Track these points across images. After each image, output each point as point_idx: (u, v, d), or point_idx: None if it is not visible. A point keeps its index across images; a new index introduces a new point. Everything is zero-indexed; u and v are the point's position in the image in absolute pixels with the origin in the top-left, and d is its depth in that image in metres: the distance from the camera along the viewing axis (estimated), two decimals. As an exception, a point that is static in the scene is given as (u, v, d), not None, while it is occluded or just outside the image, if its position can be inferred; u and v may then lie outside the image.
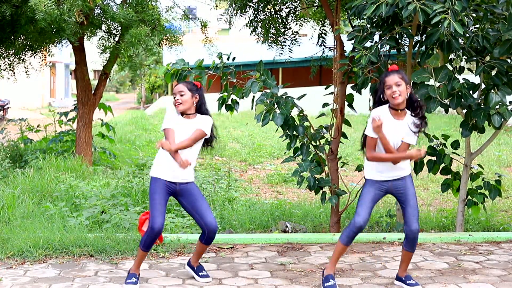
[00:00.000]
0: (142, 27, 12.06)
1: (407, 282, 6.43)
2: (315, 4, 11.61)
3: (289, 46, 12.20)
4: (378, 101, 6.33)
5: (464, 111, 8.48)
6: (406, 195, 6.28)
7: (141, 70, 22.07)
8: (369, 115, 6.26)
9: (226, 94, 8.67)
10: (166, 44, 14.36)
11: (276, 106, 8.21)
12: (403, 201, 6.29)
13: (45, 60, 16.98)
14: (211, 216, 6.43)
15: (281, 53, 12.32)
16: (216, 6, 14.34)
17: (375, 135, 6.15)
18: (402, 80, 6.11)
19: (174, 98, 6.47)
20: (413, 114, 6.22)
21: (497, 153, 18.52)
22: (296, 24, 12.48)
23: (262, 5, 11.48)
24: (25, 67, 15.26)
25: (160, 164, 6.38)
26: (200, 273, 6.63)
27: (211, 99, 7.71)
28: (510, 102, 8.32)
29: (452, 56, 8.56)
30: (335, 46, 9.24)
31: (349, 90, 9.00)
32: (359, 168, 9.36)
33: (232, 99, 8.71)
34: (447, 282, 6.53)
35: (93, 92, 14.36)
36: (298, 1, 11.55)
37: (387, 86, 6.13)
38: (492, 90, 7.98)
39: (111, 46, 13.37)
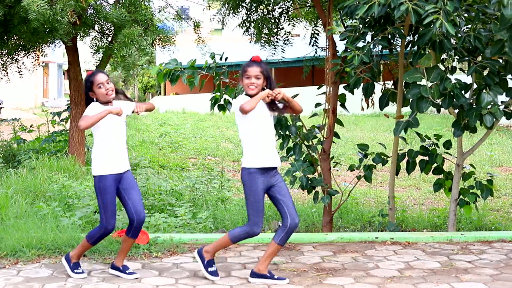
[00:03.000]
0: (135, 27, 12.06)
1: (275, 277, 6.53)
2: (307, 5, 11.64)
3: (281, 46, 12.22)
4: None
5: (456, 111, 8.51)
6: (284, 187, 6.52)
7: (134, 70, 22.11)
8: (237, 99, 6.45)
9: (218, 94, 8.69)
10: (159, 44, 14.37)
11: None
12: (283, 194, 6.47)
13: (38, 60, 16.97)
14: (142, 207, 6.60)
15: (274, 53, 12.34)
16: (209, 6, 14.35)
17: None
18: (262, 74, 6.35)
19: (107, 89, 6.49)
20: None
21: (489, 153, 18.58)
22: (289, 24, 12.50)
23: (254, 5, 11.50)
24: (18, 67, 15.25)
25: (103, 160, 6.47)
26: (127, 271, 6.69)
27: (204, 99, 7.73)
28: (502, 102, 8.36)
29: (444, 56, 8.60)
30: (327, 46, 9.26)
31: (341, 90, 9.03)
32: (351, 168, 9.39)
33: (225, 99, 8.73)
34: (439, 282, 6.55)
35: (86, 92, 14.32)
36: (291, 2, 11.57)
37: (246, 76, 6.35)
38: (484, 90, 8.01)
39: (104, 46, 13.37)
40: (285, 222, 6.40)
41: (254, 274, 6.54)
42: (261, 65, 6.39)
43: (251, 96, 6.36)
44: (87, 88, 6.51)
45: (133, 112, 6.70)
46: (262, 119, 6.41)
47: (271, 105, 6.45)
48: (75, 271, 6.61)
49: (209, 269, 6.55)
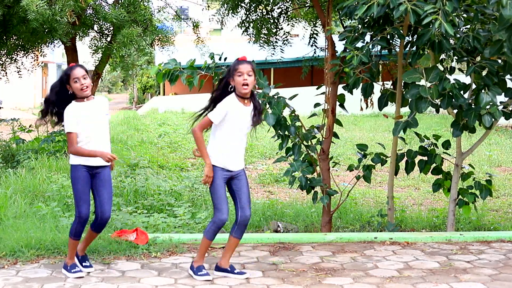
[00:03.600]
0: (134, 28, 12.08)
1: (235, 271, 6.68)
2: (306, 5, 11.64)
3: (280, 46, 12.23)
4: (222, 88, 6.59)
5: (455, 111, 8.52)
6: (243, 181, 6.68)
7: (133, 70, 22.11)
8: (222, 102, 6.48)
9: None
10: (158, 44, 14.39)
11: (268, 106, 8.24)
12: (239, 187, 6.62)
13: (37, 60, 16.99)
14: (109, 207, 6.67)
15: (273, 53, 12.35)
16: (208, 6, 14.37)
17: (217, 121, 6.41)
18: (253, 71, 6.45)
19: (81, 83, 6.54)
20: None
21: (488, 153, 18.58)
22: (288, 24, 12.50)
23: (253, 5, 11.50)
24: (17, 67, 15.27)
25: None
26: (83, 263, 6.81)
27: (203, 99, 7.72)
28: (500, 102, 8.37)
29: (443, 56, 8.59)
30: (326, 47, 9.26)
31: (340, 90, 9.03)
32: (351, 168, 9.40)
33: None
34: (438, 282, 6.56)
35: (85, 92, 14.31)
36: (290, 2, 11.57)
37: (238, 73, 6.40)
38: (483, 90, 8.01)
39: (103, 46, 13.39)
40: (237, 214, 6.60)
41: (217, 268, 6.74)
42: (251, 63, 6.51)
43: (243, 96, 6.46)
44: (64, 80, 6.55)
45: None
46: (241, 132, 6.56)
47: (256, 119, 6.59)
48: (72, 271, 6.65)
49: (199, 273, 6.63)
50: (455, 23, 7.29)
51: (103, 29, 13.72)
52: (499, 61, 8.19)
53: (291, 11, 12.07)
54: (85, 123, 6.51)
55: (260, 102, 6.97)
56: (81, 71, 6.52)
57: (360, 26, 8.30)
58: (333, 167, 9.53)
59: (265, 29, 11.83)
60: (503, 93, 8.23)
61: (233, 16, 11.89)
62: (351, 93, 8.61)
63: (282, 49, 12.25)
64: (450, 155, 9.42)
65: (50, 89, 6.72)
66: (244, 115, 6.50)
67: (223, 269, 6.68)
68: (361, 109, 9.46)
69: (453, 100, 8.01)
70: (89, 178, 6.61)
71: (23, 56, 14.85)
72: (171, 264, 7.14)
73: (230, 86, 6.51)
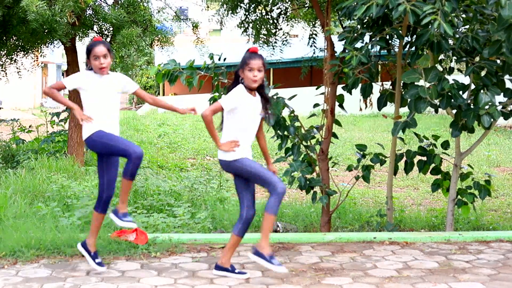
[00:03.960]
0: (134, 28, 12.07)
1: (236, 271, 6.67)
2: (305, 5, 11.65)
3: (280, 46, 12.23)
4: (234, 79, 6.61)
5: (454, 111, 8.53)
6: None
7: (132, 70, 22.07)
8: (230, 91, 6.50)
9: (217, 94, 8.71)
10: (157, 45, 14.39)
11: (267, 106, 8.24)
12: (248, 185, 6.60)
13: (37, 60, 17.00)
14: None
15: (272, 54, 12.35)
16: (208, 7, 14.38)
17: (228, 108, 6.39)
18: (263, 67, 6.49)
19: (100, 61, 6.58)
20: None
21: (487, 153, 18.60)
22: (287, 25, 12.51)
23: (253, 6, 11.50)
24: (17, 68, 15.26)
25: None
26: (124, 218, 6.78)
27: (203, 100, 7.75)
28: (499, 103, 8.38)
29: (442, 56, 8.61)
30: (325, 47, 9.27)
31: (339, 90, 9.04)
32: (350, 168, 9.41)
33: (224, 99, 8.73)
34: (437, 281, 6.56)
35: (85, 92, 14.31)
36: (289, 2, 11.58)
37: (249, 68, 6.42)
38: (482, 91, 8.03)
39: (102, 46, 13.36)
40: (242, 212, 6.62)
41: (217, 267, 6.72)
42: (262, 58, 6.50)
43: (251, 89, 6.45)
44: (86, 55, 6.61)
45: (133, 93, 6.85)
46: (253, 124, 6.55)
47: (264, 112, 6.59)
48: (97, 261, 6.78)
49: (236, 271, 6.63)
50: (454, 23, 7.30)
51: (103, 29, 13.71)
52: (498, 61, 8.21)
53: (290, 12, 12.08)
54: (93, 96, 6.55)
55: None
56: (102, 50, 6.54)
57: (359, 26, 8.31)
58: (332, 167, 9.54)
59: (265, 29, 11.84)
60: (502, 93, 8.24)
61: (232, 17, 11.89)
62: (350, 93, 8.62)
63: (281, 50, 12.26)
64: (449, 155, 9.43)
65: None
66: (254, 106, 6.48)
67: (224, 268, 6.69)
68: (360, 109, 9.48)
69: (452, 100, 8.02)
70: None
71: (23, 57, 14.85)
72: (171, 264, 7.15)
73: (241, 78, 6.52)
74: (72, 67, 14.12)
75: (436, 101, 8.02)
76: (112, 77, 6.70)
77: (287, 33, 12.37)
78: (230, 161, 6.46)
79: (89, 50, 6.56)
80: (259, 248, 6.45)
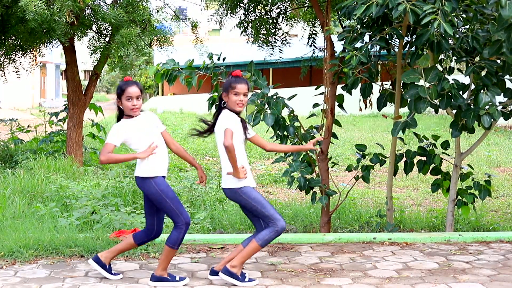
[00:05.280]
0: (133, 28, 12.05)
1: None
2: (305, 5, 11.63)
3: (279, 46, 12.21)
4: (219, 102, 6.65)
5: (454, 111, 8.51)
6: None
7: (131, 70, 22.08)
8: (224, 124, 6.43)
9: (216, 94, 8.68)
10: (156, 45, 14.36)
11: (266, 106, 8.24)
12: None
13: (35, 60, 16.95)
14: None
15: (272, 54, 12.33)
16: (207, 6, 14.35)
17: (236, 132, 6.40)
18: (248, 91, 6.48)
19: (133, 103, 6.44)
20: None
21: (487, 153, 18.58)
22: (287, 24, 12.49)
23: (252, 5, 11.48)
24: (16, 68, 15.24)
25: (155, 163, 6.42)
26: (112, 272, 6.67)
27: (202, 99, 7.73)
28: (499, 103, 8.36)
29: (442, 56, 8.59)
30: (325, 47, 9.25)
31: (339, 90, 9.02)
32: (349, 168, 9.39)
33: (223, 99, 8.71)
34: (437, 282, 6.56)
35: (83, 92, 14.33)
36: (289, 2, 11.56)
37: (234, 92, 6.41)
38: (482, 91, 8.01)
39: (101, 46, 13.36)
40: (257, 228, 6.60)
41: (212, 272, 6.67)
42: (247, 82, 6.49)
43: (236, 112, 6.45)
44: (117, 94, 6.46)
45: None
46: (242, 143, 6.51)
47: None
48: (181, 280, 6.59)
49: (245, 279, 6.50)
50: (454, 23, 7.28)
51: (102, 29, 13.68)
52: (498, 61, 8.19)
53: (290, 11, 12.06)
54: (142, 136, 6.38)
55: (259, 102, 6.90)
56: (136, 91, 6.39)
57: (359, 26, 8.29)
58: (332, 167, 9.52)
59: (264, 29, 11.81)
60: (502, 94, 8.23)
61: (231, 16, 11.87)
62: (350, 93, 8.60)
63: (281, 49, 12.23)
64: (449, 155, 9.41)
65: None
66: (240, 133, 6.48)
67: (233, 274, 6.56)
68: (360, 109, 9.45)
69: (452, 100, 8.01)
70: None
71: (21, 56, 14.82)
72: (170, 264, 7.13)
73: (223, 101, 6.50)
74: (71, 67, 14.10)
75: (436, 101, 8.00)
76: (145, 116, 6.54)
77: (287, 32, 12.34)
78: (239, 188, 6.42)
79: (122, 90, 6.38)
80: (229, 267, 6.44)
